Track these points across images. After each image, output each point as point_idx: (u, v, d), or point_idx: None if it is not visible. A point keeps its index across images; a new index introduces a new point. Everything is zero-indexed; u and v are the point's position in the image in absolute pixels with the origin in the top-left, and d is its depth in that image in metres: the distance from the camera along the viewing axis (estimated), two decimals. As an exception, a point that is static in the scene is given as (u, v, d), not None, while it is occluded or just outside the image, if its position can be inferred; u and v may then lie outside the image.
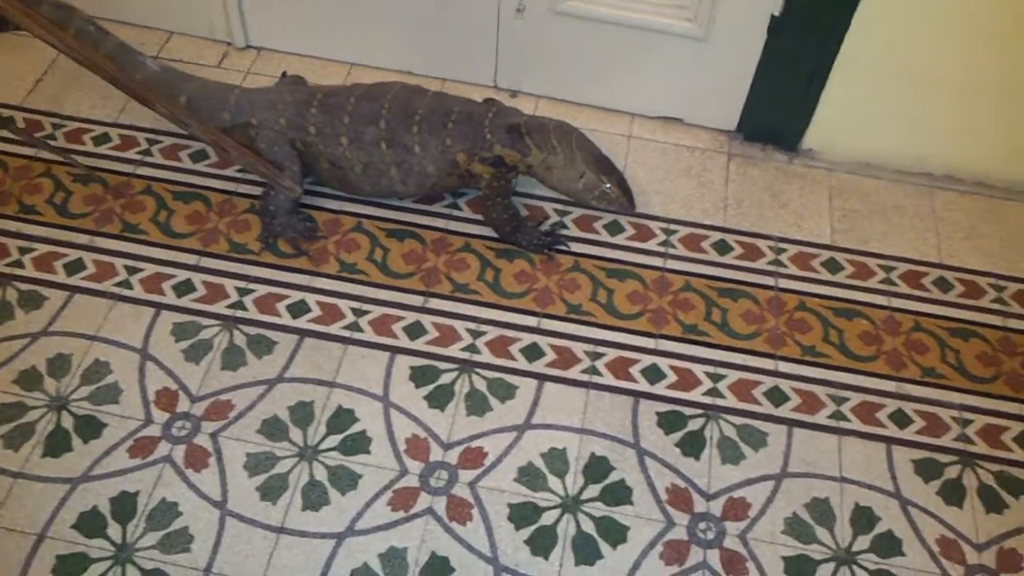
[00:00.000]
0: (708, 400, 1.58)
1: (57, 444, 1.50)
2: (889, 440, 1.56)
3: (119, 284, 1.70)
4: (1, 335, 1.62)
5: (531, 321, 1.68)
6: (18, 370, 1.58)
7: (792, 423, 1.57)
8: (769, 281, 1.75)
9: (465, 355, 1.63)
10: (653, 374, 1.61)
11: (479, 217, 1.81)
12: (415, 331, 1.66)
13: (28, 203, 1.81)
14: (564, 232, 1.81)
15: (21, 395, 1.55)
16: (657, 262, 1.77)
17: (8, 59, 2.07)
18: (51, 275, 1.71)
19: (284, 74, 2.05)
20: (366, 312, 1.68)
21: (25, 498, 1.44)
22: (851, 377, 1.63)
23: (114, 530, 1.42)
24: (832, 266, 1.79)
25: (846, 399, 1.60)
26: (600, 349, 1.64)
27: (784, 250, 1.81)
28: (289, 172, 1.75)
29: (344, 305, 1.69)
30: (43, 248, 1.75)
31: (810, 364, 1.64)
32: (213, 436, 1.51)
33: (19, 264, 1.72)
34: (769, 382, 1.62)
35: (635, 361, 1.63)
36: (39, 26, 1.56)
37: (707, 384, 1.60)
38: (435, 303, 1.70)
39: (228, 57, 2.11)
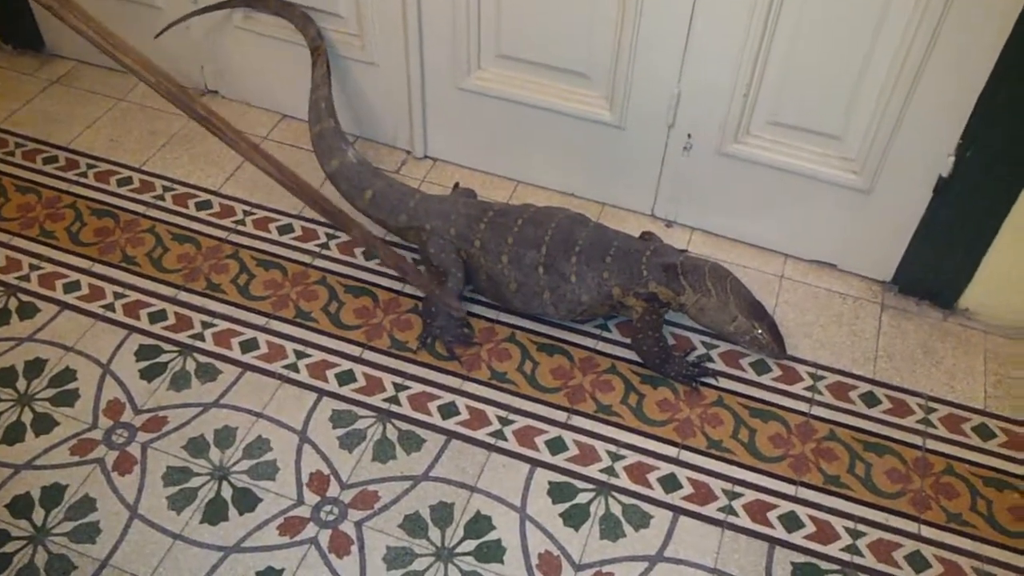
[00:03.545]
0: (846, 556, 1.56)
1: (215, 512, 1.60)
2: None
3: (287, 367, 1.82)
4: (178, 401, 1.76)
5: (671, 451, 1.70)
6: (188, 436, 1.71)
7: (933, 593, 1.53)
8: (917, 440, 1.73)
9: (603, 477, 1.66)
10: (791, 522, 1.60)
11: (627, 341, 1.87)
12: (556, 446, 1.70)
13: (215, 281, 1.98)
14: (710, 365, 1.84)
15: (188, 460, 1.67)
16: (802, 407, 1.77)
17: (215, 147, 2.29)
18: (227, 351, 1.85)
19: (456, 185, 2.19)
20: (511, 422, 1.74)
21: (181, 560, 1.54)
22: (997, 552, 1.58)
23: (258, 604, 1.50)
24: (984, 432, 1.74)
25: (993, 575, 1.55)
26: (738, 489, 1.64)
27: (934, 410, 1.78)
28: (454, 282, 1.85)
29: (491, 412, 1.76)
30: (223, 325, 1.90)
31: (956, 533, 1.59)
32: (358, 525, 1.58)
33: (200, 337, 1.88)
34: (911, 545, 1.58)
35: (773, 506, 1.62)
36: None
37: (846, 539, 1.58)
38: (578, 421, 1.75)
39: (406, 165, 2.28)
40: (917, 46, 1.67)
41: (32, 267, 2.00)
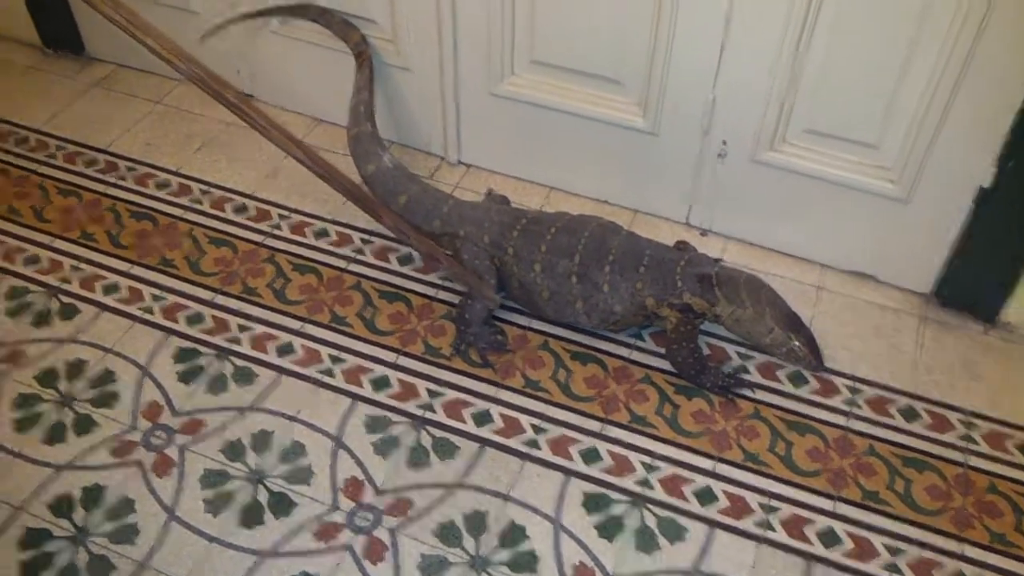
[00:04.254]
0: (885, 574, 1.54)
1: (251, 516, 1.61)
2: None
3: (323, 371, 1.83)
4: (216, 405, 1.78)
5: (706, 463, 1.69)
6: (226, 440, 1.72)
7: (974, 612, 1.51)
8: (958, 457, 1.70)
9: (638, 489, 1.65)
10: (829, 538, 1.58)
11: (662, 350, 1.86)
12: (591, 456, 1.70)
13: (251, 285, 2.00)
14: (746, 377, 1.82)
15: (226, 464, 1.69)
16: (840, 420, 1.75)
17: (252, 151, 2.31)
18: (263, 355, 1.86)
19: (489, 191, 2.19)
20: (545, 430, 1.74)
21: (217, 564, 1.55)
22: (1045, 575, 1.55)
23: (293, 609, 1.51)
24: (1027, 449, 1.72)
25: (1037, 598, 1.52)
26: (775, 503, 1.63)
27: (975, 426, 1.75)
28: (487, 284, 1.85)
29: (525, 420, 1.75)
30: (259, 329, 1.91)
31: (1000, 553, 1.57)
32: (392, 532, 1.59)
33: (237, 341, 1.89)
34: (952, 565, 1.55)
35: (810, 521, 1.61)
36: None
37: (885, 557, 1.56)
38: (612, 431, 1.74)
39: (440, 170, 2.28)
40: (957, 54, 1.65)
41: (73, 269, 2.03)
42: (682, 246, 1.98)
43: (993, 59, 1.62)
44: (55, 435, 1.72)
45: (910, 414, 1.77)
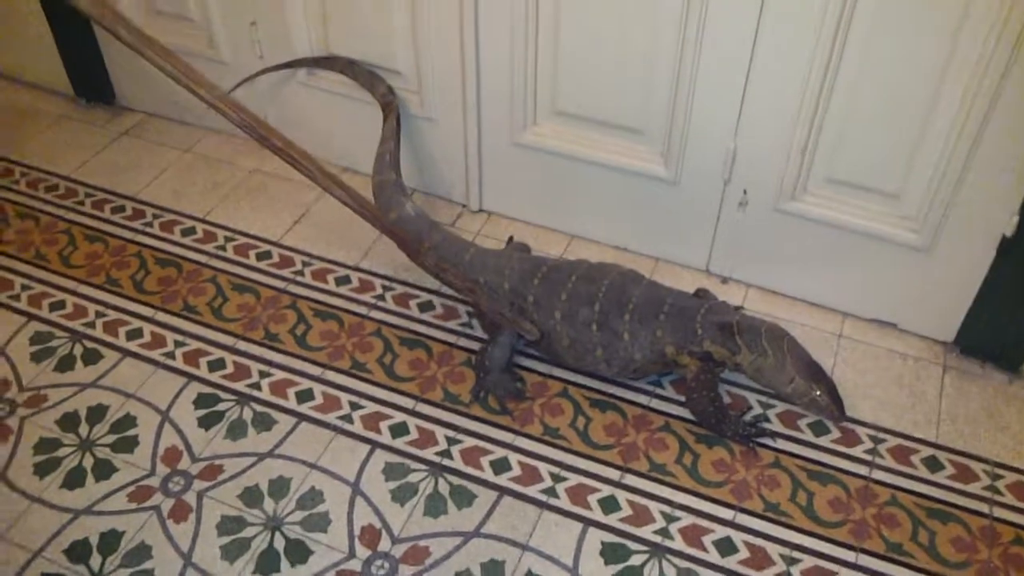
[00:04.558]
0: (910, 629, 1.51)
1: (267, 564, 1.61)
2: None
3: (342, 418, 1.83)
4: (234, 451, 1.78)
5: (727, 513, 1.67)
6: (244, 486, 1.72)
7: (1003, 671, 1.46)
8: (983, 508, 1.67)
9: (657, 539, 1.63)
10: (852, 591, 1.56)
11: (682, 398, 1.85)
12: (609, 505, 1.68)
13: (273, 331, 2.01)
14: (767, 426, 1.81)
15: (243, 510, 1.68)
16: (862, 471, 1.73)
17: (276, 199, 2.35)
18: (283, 400, 1.87)
19: (510, 239, 2.21)
20: (564, 479, 1.72)
21: (233, 610, 1.55)
22: (1072, 629, 1.51)
23: (308, 659, 1.50)
24: (1055, 502, 1.69)
25: (1066, 654, 1.48)
26: (796, 554, 1.60)
27: (1001, 476, 1.72)
28: (507, 336, 1.86)
29: (544, 468, 1.74)
30: (280, 374, 1.93)
31: (1027, 608, 1.54)
32: (409, 581, 1.58)
33: (257, 387, 1.90)
34: (979, 620, 1.52)
35: (833, 573, 1.58)
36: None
37: (910, 611, 1.53)
38: (631, 479, 1.73)
39: (462, 218, 2.31)
40: (979, 103, 1.65)
41: (98, 314, 2.05)
42: (702, 294, 1.98)
43: (1015, 107, 1.62)
44: (74, 480, 1.73)
45: (933, 464, 1.74)
